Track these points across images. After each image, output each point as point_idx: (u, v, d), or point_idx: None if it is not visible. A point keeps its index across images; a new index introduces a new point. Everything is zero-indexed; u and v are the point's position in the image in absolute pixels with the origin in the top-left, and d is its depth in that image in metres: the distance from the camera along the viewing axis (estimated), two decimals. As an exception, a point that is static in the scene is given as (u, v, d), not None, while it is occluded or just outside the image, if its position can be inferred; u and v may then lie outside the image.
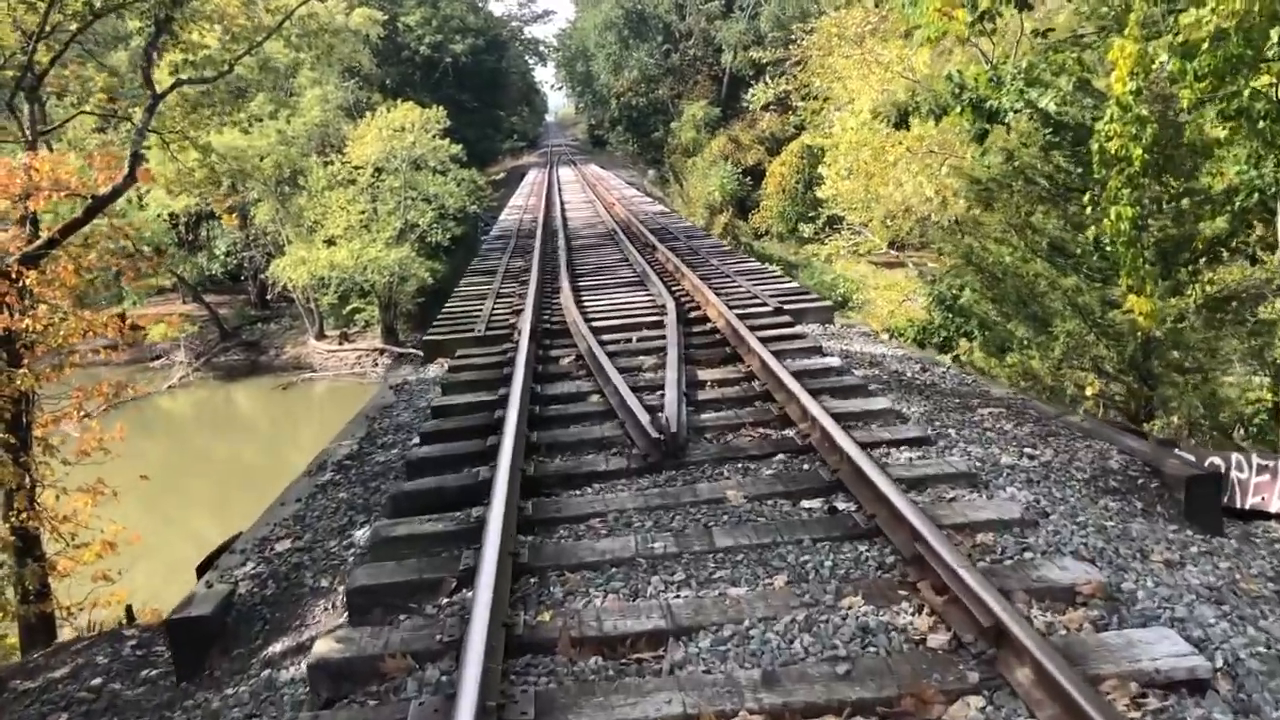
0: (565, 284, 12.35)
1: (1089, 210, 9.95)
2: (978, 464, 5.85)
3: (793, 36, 35.78)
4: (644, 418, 6.36)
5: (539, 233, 19.18)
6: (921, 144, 19.08)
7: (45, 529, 14.03)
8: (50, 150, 17.71)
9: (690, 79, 56.14)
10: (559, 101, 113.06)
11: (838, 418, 6.22)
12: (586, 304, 11.61)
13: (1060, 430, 6.70)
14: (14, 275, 13.51)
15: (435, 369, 9.90)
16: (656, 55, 57.29)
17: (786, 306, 10.39)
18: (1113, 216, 8.64)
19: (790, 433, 6.48)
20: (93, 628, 16.31)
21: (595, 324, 10.25)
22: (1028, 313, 11.28)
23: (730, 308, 10.01)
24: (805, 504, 5.34)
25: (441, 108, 42.12)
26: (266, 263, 41.70)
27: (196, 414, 38.69)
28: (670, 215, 24.26)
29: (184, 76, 18.99)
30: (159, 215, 39.88)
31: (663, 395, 7.15)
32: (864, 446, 5.66)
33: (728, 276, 12.64)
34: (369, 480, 6.92)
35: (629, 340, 9.59)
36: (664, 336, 9.28)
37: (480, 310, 11.61)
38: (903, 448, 6.09)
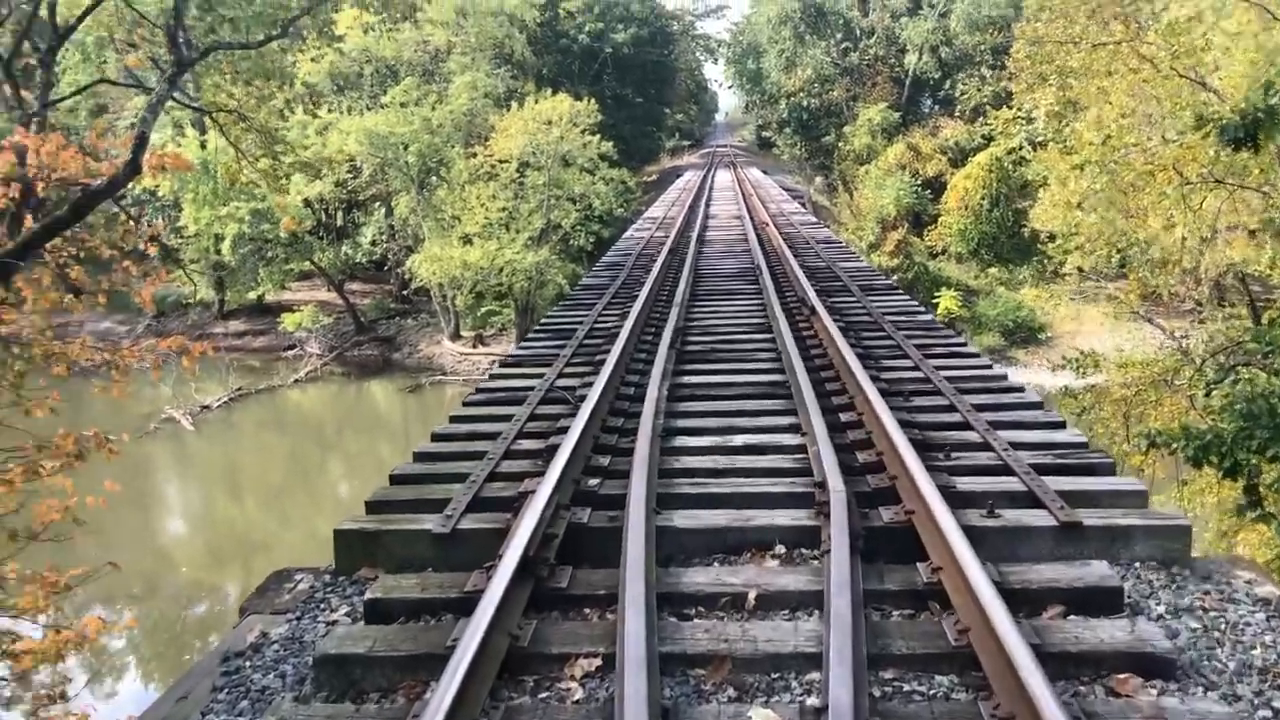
0: (654, 390, 6.83)
1: None
2: None
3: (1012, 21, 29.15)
4: None
5: (659, 263, 13.68)
6: (1200, 167, 12.77)
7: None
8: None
9: (868, 80, 49.51)
10: (730, 101, 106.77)
11: None
12: (676, 449, 6.05)
13: None
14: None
15: (331, 613, 4.55)
16: (833, 53, 50.79)
17: (1130, 557, 4.58)
18: None
19: None
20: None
21: (678, 530, 4.75)
22: None
23: (984, 565, 4.19)
24: None
25: (595, 101, 37.12)
26: (406, 255, 37.68)
27: (326, 410, 35.03)
28: (837, 245, 18.36)
29: (223, 39, 14.38)
30: (297, 201, 36.12)
31: None
32: None
33: (937, 393, 6.89)
34: None
35: (739, 623, 4.05)
36: (822, 647, 3.75)
37: (495, 439, 6.17)
38: None
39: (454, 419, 6.95)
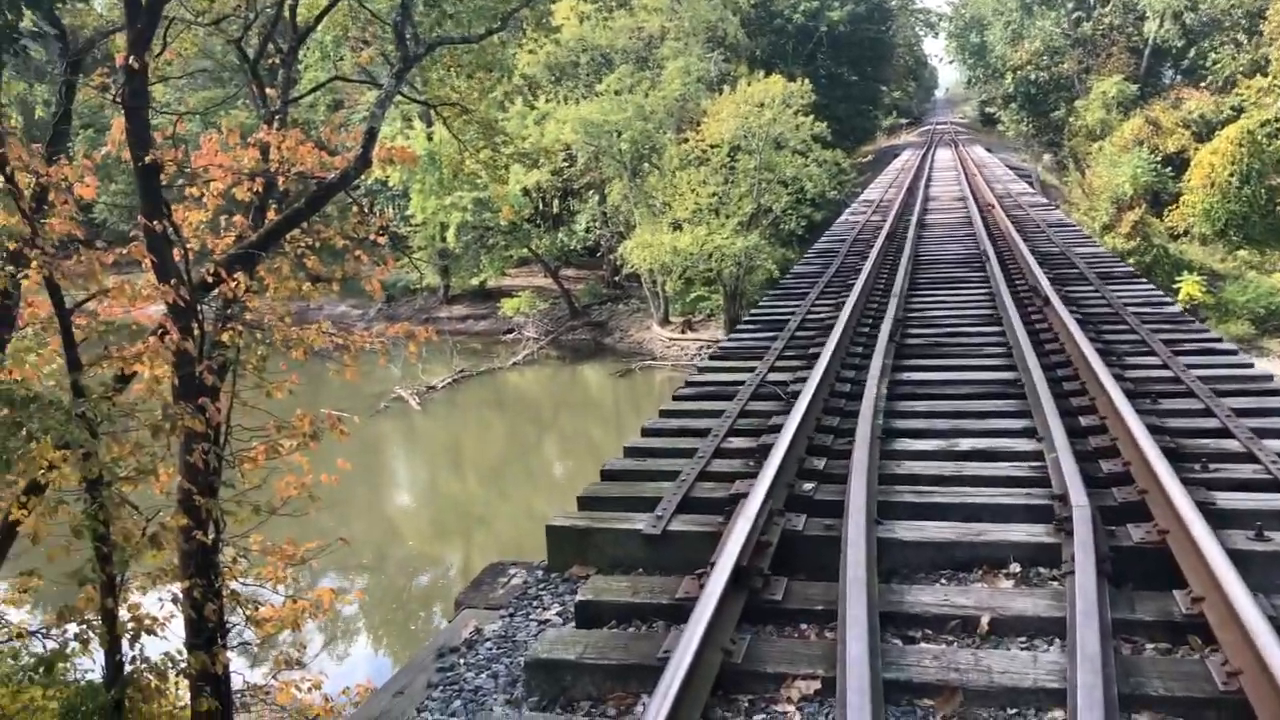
0: (873, 388, 6.50)
1: None
2: None
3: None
4: None
5: (875, 249, 13.18)
6: None
7: (227, 600, 9.98)
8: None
9: (1102, 51, 46.45)
10: (950, 76, 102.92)
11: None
12: (897, 453, 5.71)
13: None
14: (210, 280, 9.61)
15: (544, 611, 4.50)
16: (1064, 23, 47.90)
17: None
18: None
19: None
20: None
21: (901, 543, 4.44)
22: None
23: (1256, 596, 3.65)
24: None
25: (809, 81, 36.42)
26: (618, 242, 38.19)
27: (542, 392, 36.03)
28: (1070, 228, 17.20)
29: (447, 34, 14.80)
30: (516, 190, 37.10)
31: None
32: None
33: (1190, 395, 6.24)
34: None
35: (971, 650, 3.75)
36: None
37: (705, 435, 6.02)
38: None
39: (664, 413, 6.86)
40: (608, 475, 5.62)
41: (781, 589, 4.07)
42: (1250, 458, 5.08)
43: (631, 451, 6.03)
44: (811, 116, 35.26)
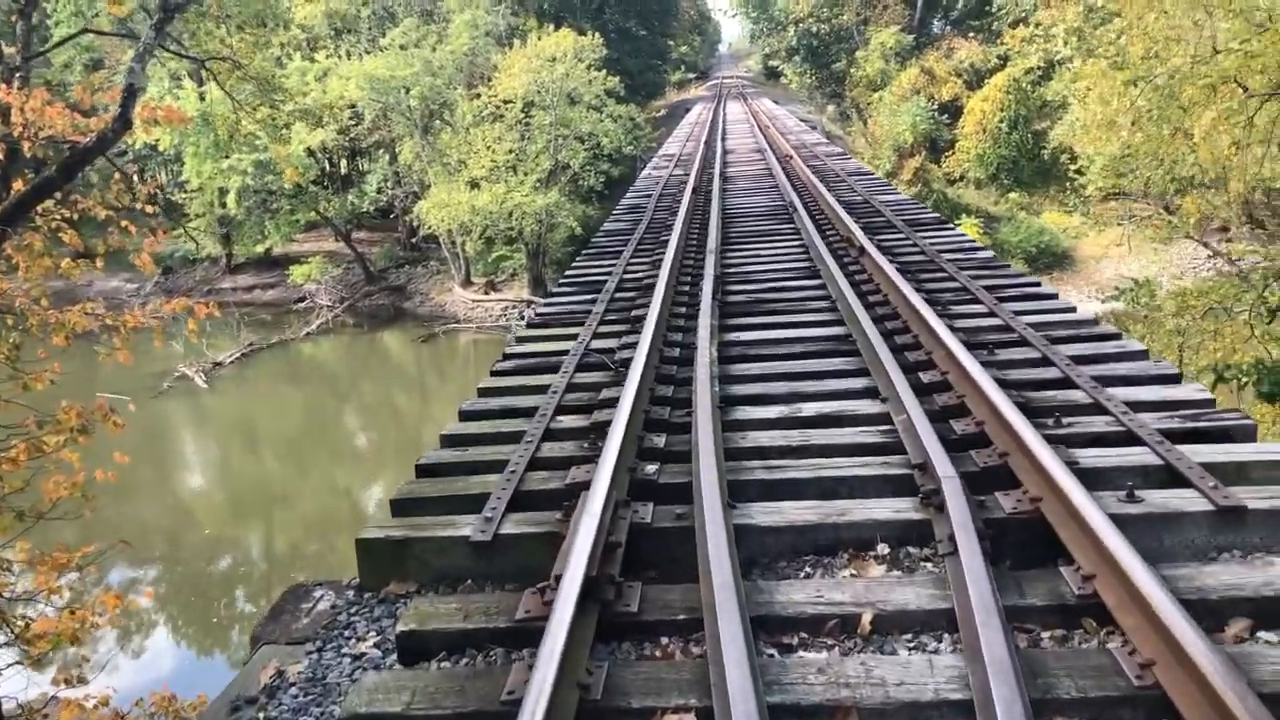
0: (705, 352, 6.02)
1: None
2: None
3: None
4: None
5: (684, 204, 12.76)
6: (1266, 76, 11.74)
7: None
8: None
9: (878, 2, 47.85)
10: (734, 31, 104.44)
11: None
12: (739, 423, 5.21)
13: None
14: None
15: (358, 642, 3.81)
16: (841, -25, 49.07)
17: None
18: None
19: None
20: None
21: (759, 529, 3.96)
22: None
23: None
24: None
25: (600, 35, 35.88)
26: (413, 202, 36.65)
27: (339, 362, 34.28)
28: (868, 176, 17.38)
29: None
30: (299, 151, 34.94)
31: None
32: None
33: (1025, 343, 6.06)
34: None
35: (857, 656, 3.33)
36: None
37: (531, 415, 5.40)
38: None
39: (482, 391, 6.17)
40: (424, 471, 4.92)
41: (636, 598, 3.52)
42: (1099, 409, 4.88)
43: (449, 440, 5.33)
44: (604, 71, 34.74)
